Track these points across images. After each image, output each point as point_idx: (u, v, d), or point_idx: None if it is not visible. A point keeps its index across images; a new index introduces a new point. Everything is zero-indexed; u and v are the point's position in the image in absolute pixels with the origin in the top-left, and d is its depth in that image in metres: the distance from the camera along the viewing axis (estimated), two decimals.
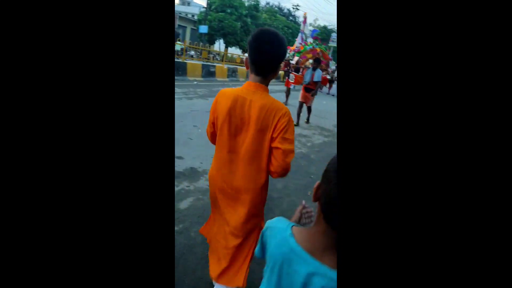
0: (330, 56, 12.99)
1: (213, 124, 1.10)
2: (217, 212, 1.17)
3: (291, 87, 7.74)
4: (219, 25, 20.78)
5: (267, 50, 0.97)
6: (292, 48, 12.41)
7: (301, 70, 9.14)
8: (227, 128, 1.04)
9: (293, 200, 2.60)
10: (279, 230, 0.67)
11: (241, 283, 1.12)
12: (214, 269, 1.19)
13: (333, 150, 4.28)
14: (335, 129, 5.84)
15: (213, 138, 1.15)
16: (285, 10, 37.04)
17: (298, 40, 12.35)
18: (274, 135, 1.00)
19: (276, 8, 34.38)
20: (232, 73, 11.18)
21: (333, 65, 13.01)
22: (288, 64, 9.71)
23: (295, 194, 2.70)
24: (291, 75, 8.02)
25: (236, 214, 1.10)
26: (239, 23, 21.68)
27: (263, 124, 0.99)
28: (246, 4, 23.65)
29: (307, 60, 10.96)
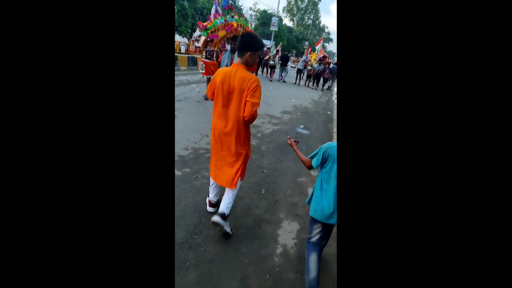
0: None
1: (213, 92, 1.74)
2: (219, 147, 1.80)
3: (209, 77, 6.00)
4: None
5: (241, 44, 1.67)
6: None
7: (216, 54, 6.49)
8: (221, 91, 1.65)
9: (247, 203, 2.37)
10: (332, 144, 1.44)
11: (234, 185, 1.81)
12: (222, 181, 1.86)
13: (283, 139, 4.15)
14: (284, 116, 5.77)
15: (212, 97, 1.76)
16: None
17: (212, 14, 9.88)
18: (247, 94, 1.60)
19: None
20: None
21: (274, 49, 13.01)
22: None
23: (248, 196, 2.48)
24: (200, 62, 6.02)
25: (231, 144, 1.75)
26: (175, 7, 20.19)
27: (241, 88, 1.60)
28: None
29: (222, 39, 7.60)
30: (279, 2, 28.98)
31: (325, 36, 54.84)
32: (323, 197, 1.46)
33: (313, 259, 1.47)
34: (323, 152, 1.46)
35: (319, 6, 49.11)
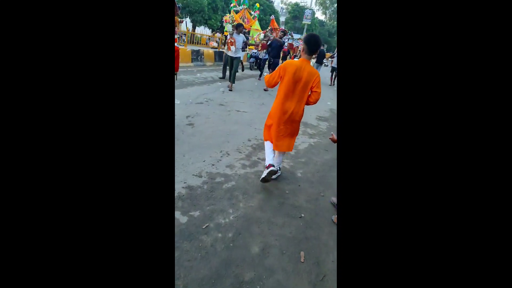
0: (282, 27, 11.54)
1: (281, 78, 2.21)
2: (282, 122, 2.28)
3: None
4: (183, 2, 18.60)
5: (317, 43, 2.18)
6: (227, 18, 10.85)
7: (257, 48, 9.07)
8: (292, 80, 2.15)
9: (279, 282, 1.56)
10: None
11: (291, 149, 2.45)
12: (285, 147, 2.40)
13: (322, 159, 3.27)
14: (321, 124, 4.86)
15: (274, 84, 2.29)
16: None
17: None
18: (313, 84, 2.17)
19: None
20: (197, 56, 9.68)
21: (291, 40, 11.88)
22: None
23: (280, 265, 1.67)
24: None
25: (295, 119, 2.29)
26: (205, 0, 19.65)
27: (309, 79, 2.16)
28: None
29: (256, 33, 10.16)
30: None
31: None
32: None
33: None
34: None
35: None
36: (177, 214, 1.91)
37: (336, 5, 46.00)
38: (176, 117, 3.70)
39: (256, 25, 10.18)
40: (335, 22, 45.37)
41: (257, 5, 11.70)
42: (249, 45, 8.66)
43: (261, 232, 1.90)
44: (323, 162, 3.26)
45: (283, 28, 10.61)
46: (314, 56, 2.31)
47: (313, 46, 2.12)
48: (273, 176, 2.52)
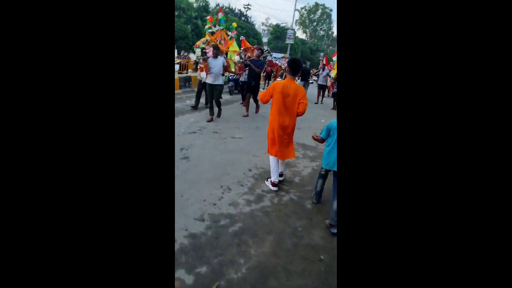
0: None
1: (271, 96, 2.70)
2: (281, 137, 2.74)
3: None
4: None
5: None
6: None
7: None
8: (281, 96, 2.63)
9: None
10: (335, 122, 2.26)
11: (294, 155, 2.91)
12: (289, 155, 2.86)
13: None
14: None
15: (266, 101, 2.80)
16: (236, 11, 35.87)
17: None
18: (300, 98, 2.65)
19: (227, 9, 33.04)
20: (185, 83, 9.57)
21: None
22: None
23: None
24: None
25: (290, 130, 2.77)
26: (189, 26, 20.00)
27: (296, 94, 2.64)
28: (195, 5, 21.98)
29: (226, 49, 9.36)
30: (294, 15, 28.47)
31: None
32: (329, 156, 2.38)
33: (320, 183, 2.67)
34: (327, 128, 2.40)
35: (332, 17, 48.63)
36: (182, 272, 1.65)
37: (315, 23, 47.95)
38: None
39: (234, 46, 9.62)
40: (316, 40, 47.05)
41: (234, 24, 10.94)
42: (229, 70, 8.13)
43: (279, 285, 1.65)
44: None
45: (259, 46, 9.91)
46: (298, 76, 2.92)
47: (295, 68, 2.72)
48: (280, 178, 3.03)
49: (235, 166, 3.33)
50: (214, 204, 2.44)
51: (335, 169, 2.32)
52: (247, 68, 6.62)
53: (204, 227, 2.10)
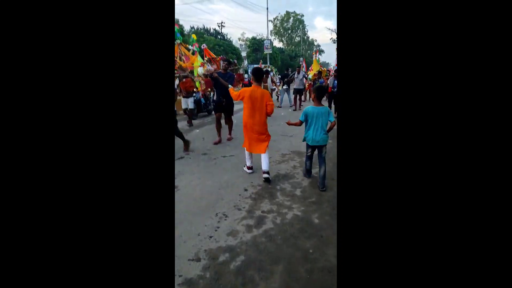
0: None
1: (241, 98, 3.28)
2: (251, 133, 3.26)
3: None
4: None
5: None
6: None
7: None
8: (250, 99, 3.18)
9: None
10: (311, 108, 3.03)
11: (263, 151, 3.27)
12: (257, 150, 3.30)
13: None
14: None
15: (236, 99, 3.54)
16: (212, 30, 36.33)
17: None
18: (266, 99, 3.24)
19: (202, 30, 33.43)
20: None
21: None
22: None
23: None
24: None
25: (261, 129, 3.26)
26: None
27: (263, 97, 3.22)
28: None
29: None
30: (267, 26, 28.93)
31: (317, 49, 54.83)
32: (309, 133, 3.03)
33: (308, 163, 3.29)
34: (304, 114, 3.03)
35: (304, 22, 49.77)
36: None
37: (289, 31, 48.94)
38: None
39: (198, 60, 8.05)
40: (293, 46, 47.87)
41: (194, 36, 9.82)
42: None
43: None
44: (336, 195, 2.80)
45: (224, 57, 8.76)
46: (264, 83, 3.88)
47: (258, 75, 3.29)
48: (266, 175, 3.27)
49: (229, 189, 3.05)
50: (210, 237, 2.14)
51: (319, 143, 3.02)
52: (215, 82, 5.08)
53: (201, 268, 1.79)
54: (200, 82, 7.20)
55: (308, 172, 3.36)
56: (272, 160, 3.99)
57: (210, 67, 7.45)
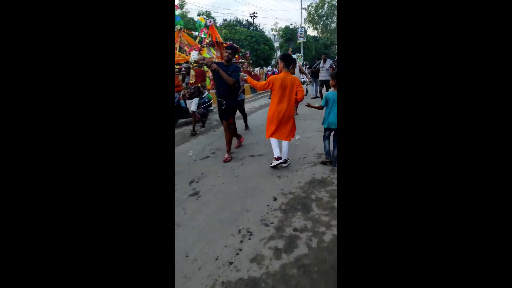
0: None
1: (271, 87, 3.14)
2: (280, 119, 3.18)
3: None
4: None
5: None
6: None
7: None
8: (281, 87, 3.09)
9: None
10: (331, 93, 3.25)
11: (289, 139, 3.31)
12: (284, 135, 3.26)
13: None
14: None
15: (263, 89, 3.27)
16: (244, 22, 35.85)
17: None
18: (297, 86, 3.15)
19: (234, 22, 33.12)
20: None
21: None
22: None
23: None
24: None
25: (288, 115, 3.20)
26: None
27: (293, 84, 3.13)
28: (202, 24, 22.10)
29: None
30: (301, 14, 27.72)
31: None
32: (329, 117, 3.20)
33: (326, 143, 3.38)
34: (325, 98, 3.24)
35: None
36: None
37: (324, 18, 46.67)
38: (176, 188, 2.89)
39: (206, 53, 6.36)
40: (328, 34, 45.63)
41: (201, 19, 7.45)
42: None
43: None
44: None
45: (232, 43, 6.45)
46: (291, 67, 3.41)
47: (286, 60, 3.19)
48: (284, 165, 3.31)
49: (256, 197, 2.65)
50: (230, 264, 1.76)
51: (335, 127, 3.17)
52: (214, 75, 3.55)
53: None
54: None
55: (328, 154, 3.38)
56: (306, 161, 3.51)
57: (211, 55, 5.61)
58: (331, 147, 3.38)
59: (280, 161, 3.21)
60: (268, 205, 2.48)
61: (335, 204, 2.45)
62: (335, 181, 2.93)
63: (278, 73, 3.25)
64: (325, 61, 8.14)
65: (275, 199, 2.59)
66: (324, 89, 8.43)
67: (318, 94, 9.00)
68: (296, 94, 3.16)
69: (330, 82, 3.52)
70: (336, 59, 8.41)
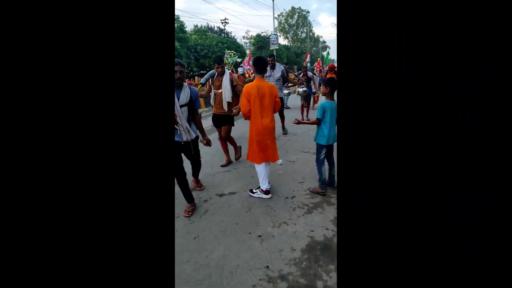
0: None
1: (249, 101, 2.46)
2: (264, 137, 2.52)
3: None
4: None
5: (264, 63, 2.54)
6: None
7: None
8: (258, 96, 2.44)
9: None
10: (328, 102, 2.51)
11: (277, 158, 2.66)
12: (275, 157, 2.63)
13: None
14: None
15: (248, 112, 2.49)
16: (216, 29, 34.80)
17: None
18: (275, 94, 2.52)
19: (205, 28, 31.97)
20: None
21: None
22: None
23: None
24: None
25: (272, 130, 2.57)
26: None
27: (271, 92, 2.49)
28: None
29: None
30: (273, 21, 27.46)
31: (323, 45, 52.79)
32: (326, 132, 2.55)
33: (322, 169, 2.65)
34: (322, 108, 2.53)
35: (308, 18, 47.94)
36: None
37: (294, 27, 47.32)
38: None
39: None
40: (299, 43, 46.21)
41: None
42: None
43: None
44: None
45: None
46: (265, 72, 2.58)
47: (259, 66, 2.51)
48: (265, 196, 2.72)
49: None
50: None
51: (331, 142, 2.61)
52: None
53: None
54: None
55: (324, 183, 2.67)
56: (296, 205, 2.52)
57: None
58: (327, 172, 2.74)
59: (269, 195, 2.68)
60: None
61: None
62: None
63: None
64: (273, 68, 4.82)
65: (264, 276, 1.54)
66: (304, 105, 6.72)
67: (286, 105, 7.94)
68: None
69: (321, 90, 2.58)
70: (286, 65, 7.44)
